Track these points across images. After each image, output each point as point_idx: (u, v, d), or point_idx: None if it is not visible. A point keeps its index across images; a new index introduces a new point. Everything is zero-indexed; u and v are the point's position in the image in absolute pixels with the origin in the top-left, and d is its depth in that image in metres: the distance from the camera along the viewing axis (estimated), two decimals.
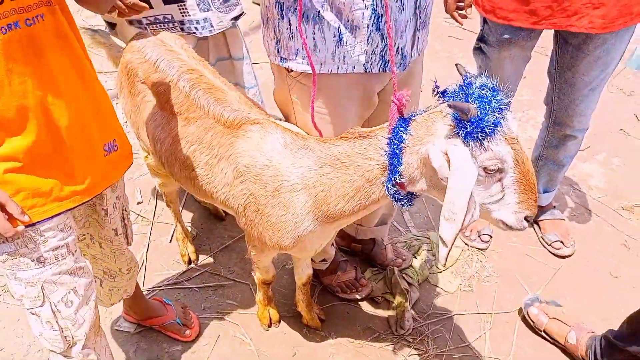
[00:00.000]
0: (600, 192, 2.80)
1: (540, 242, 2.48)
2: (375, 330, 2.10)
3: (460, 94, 1.20)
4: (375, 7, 1.42)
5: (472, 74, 1.25)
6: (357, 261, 2.32)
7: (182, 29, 1.93)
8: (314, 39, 1.47)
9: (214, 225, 2.50)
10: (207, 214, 2.54)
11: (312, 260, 2.06)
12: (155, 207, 2.58)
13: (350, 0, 1.40)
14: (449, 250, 1.23)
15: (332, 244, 2.11)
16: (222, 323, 2.09)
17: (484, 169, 1.19)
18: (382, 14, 1.43)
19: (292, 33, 1.50)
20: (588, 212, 2.67)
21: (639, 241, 2.51)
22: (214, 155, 1.51)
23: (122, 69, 1.74)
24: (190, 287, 2.22)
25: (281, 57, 1.57)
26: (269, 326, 2.07)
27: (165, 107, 1.61)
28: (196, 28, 1.93)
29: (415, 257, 2.37)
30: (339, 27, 1.45)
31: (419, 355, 2.02)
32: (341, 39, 1.47)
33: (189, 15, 1.90)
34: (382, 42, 1.48)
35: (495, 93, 1.17)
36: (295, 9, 1.43)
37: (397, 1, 1.44)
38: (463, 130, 1.17)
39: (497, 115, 1.16)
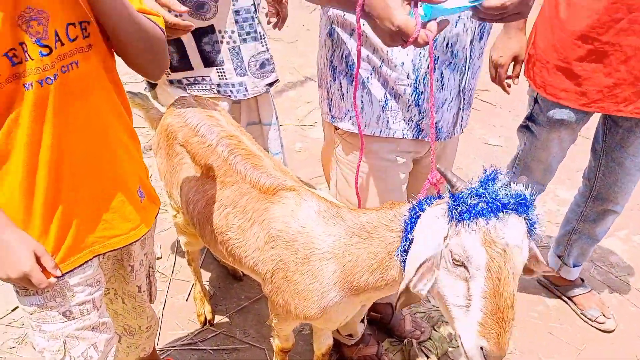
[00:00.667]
0: (622, 270, 2.75)
1: (582, 318, 2.43)
2: None
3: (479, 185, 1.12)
4: (417, 85, 1.52)
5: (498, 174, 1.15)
6: (375, 330, 2.28)
7: (218, 91, 2.02)
8: (362, 102, 1.57)
9: (231, 285, 2.49)
10: (225, 273, 2.53)
11: (338, 332, 2.04)
12: (174, 263, 2.58)
13: (395, 76, 1.51)
14: (397, 300, 1.22)
15: (362, 321, 2.08)
16: None
17: (451, 252, 1.13)
18: (422, 92, 1.53)
19: (343, 94, 1.61)
20: (610, 290, 2.62)
21: None
22: (247, 219, 1.54)
23: (161, 131, 1.81)
24: (204, 349, 2.19)
25: (332, 116, 1.68)
26: None
27: (201, 171, 1.65)
28: (231, 91, 2.02)
29: (435, 330, 2.32)
30: (385, 94, 1.55)
31: None
32: (386, 105, 1.57)
33: (226, 79, 2.00)
34: (418, 115, 1.58)
35: (505, 190, 1.08)
36: (346, 73, 1.57)
37: (437, 81, 1.54)
38: (448, 206, 1.14)
39: (485, 206, 1.06)
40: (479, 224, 1.07)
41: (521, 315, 2.45)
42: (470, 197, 1.07)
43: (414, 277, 1.15)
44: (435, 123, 1.60)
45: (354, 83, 1.43)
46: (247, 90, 2.04)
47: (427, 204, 1.27)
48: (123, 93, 1.32)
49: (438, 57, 1.50)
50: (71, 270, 1.25)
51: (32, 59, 1.07)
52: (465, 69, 1.56)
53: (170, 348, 2.17)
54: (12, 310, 2.23)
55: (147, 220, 1.43)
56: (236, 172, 1.58)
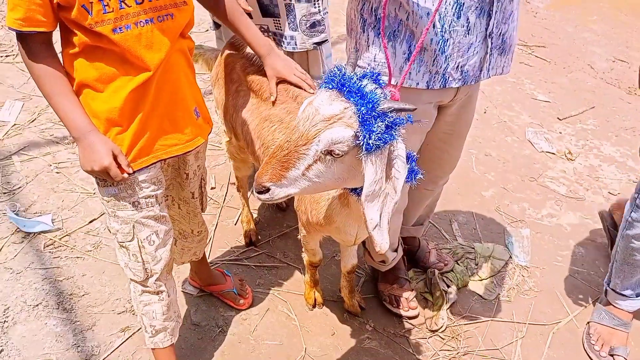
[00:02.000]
0: None
1: None
2: (411, 324, 2.25)
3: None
4: (443, 33, 1.58)
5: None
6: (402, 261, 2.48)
7: (274, 39, 2.23)
8: (388, 53, 1.64)
9: (275, 215, 2.76)
10: (271, 203, 2.80)
11: (372, 258, 2.25)
12: (226, 193, 2.88)
13: (422, 26, 1.57)
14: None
15: (396, 250, 2.25)
16: (272, 298, 2.33)
17: None
18: (447, 39, 1.59)
19: (369, 46, 1.71)
20: None
21: None
22: (291, 133, 1.75)
23: (220, 63, 2.05)
24: (248, 265, 2.48)
25: (358, 66, 1.77)
26: (313, 307, 2.28)
27: (256, 95, 1.87)
28: (283, 42, 2.23)
29: (458, 264, 2.50)
30: (409, 47, 1.63)
31: (448, 351, 2.14)
32: (409, 57, 1.64)
33: (281, 30, 2.21)
34: (444, 62, 1.63)
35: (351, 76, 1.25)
36: (375, 25, 1.66)
37: (463, 27, 1.59)
38: None
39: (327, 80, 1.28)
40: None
41: (546, 258, 2.57)
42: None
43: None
44: (461, 67, 1.66)
45: (380, 35, 1.55)
46: (296, 44, 2.23)
47: None
48: (189, 35, 1.61)
49: (464, 2, 1.55)
50: (139, 170, 1.54)
51: (129, 6, 1.36)
52: (492, 12, 1.61)
53: (219, 262, 2.49)
54: (90, 222, 2.62)
55: (202, 134, 1.70)
56: (287, 94, 1.79)
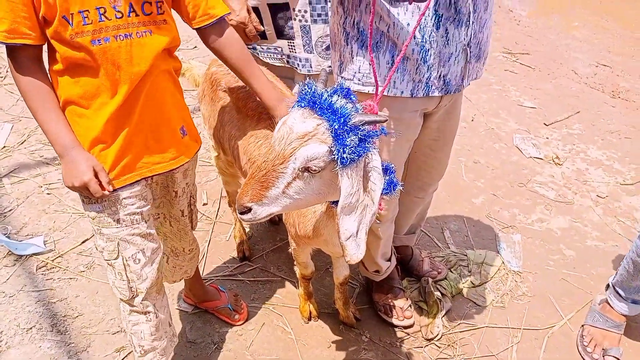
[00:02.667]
0: None
1: None
2: (406, 333, 2.25)
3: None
4: (424, 43, 1.62)
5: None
6: (396, 270, 2.49)
7: (287, 62, 2.24)
8: (370, 65, 1.69)
9: (267, 229, 2.77)
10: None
11: (366, 269, 2.27)
12: (218, 209, 2.88)
13: (403, 37, 1.61)
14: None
15: (389, 260, 2.26)
16: (267, 313, 2.32)
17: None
18: (428, 49, 1.63)
19: (353, 57, 1.73)
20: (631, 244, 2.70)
21: None
22: None
23: (206, 79, 2.08)
24: (242, 280, 2.48)
25: (342, 77, 1.81)
26: (309, 319, 2.28)
27: (241, 111, 1.90)
28: (298, 64, 2.22)
29: (451, 272, 2.51)
30: (392, 56, 1.67)
31: (445, 359, 2.15)
32: (392, 66, 1.67)
33: (295, 52, 2.20)
34: (427, 72, 1.67)
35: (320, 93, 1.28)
36: (358, 38, 1.69)
37: (442, 37, 1.63)
38: None
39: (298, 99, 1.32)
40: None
41: (538, 262, 2.60)
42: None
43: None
44: (443, 76, 1.71)
45: (365, 46, 1.58)
46: (311, 67, 2.22)
47: None
48: (175, 55, 1.62)
49: (442, 14, 1.60)
50: (123, 187, 1.54)
51: (109, 19, 1.38)
52: (469, 23, 1.65)
53: (214, 277, 2.48)
54: (82, 243, 2.61)
55: (187, 153, 1.70)
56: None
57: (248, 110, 1.88)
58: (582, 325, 2.25)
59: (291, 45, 2.18)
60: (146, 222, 1.61)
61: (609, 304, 2.21)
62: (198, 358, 2.11)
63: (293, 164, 1.26)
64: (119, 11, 1.39)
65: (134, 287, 1.64)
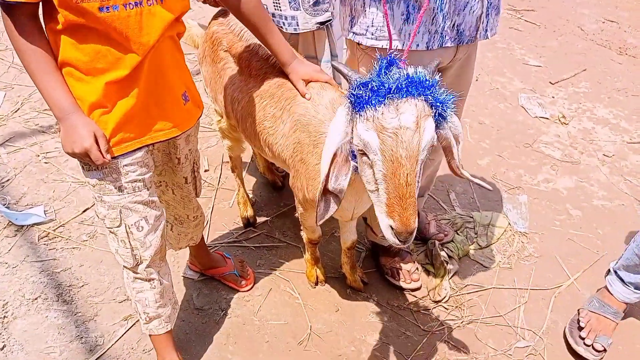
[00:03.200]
0: None
1: None
2: (414, 296, 2.25)
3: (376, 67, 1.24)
4: None
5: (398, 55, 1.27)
6: None
7: (272, 21, 2.12)
8: (384, 17, 1.61)
9: (271, 194, 2.73)
10: (266, 182, 2.77)
11: (374, 234, 2.23)
12: (220, 175, 2.84)
13: None
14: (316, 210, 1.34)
15: None
16: (274, 278, 2.31)
17: (351, 143, 1.24)
18: None
19: (365, 11, 1.66)
20: (638, 202, 2.68)
21: None
22: (280, 108, 1.70)
23: (207, 39, 1.98)
24: (247, 246, 2.46)
25: (354, 33, 1.74)
26: (316, 284, 2.27)
27: (244, 72, 1.82)
28: (283, 23, 2.10)
29: (458, 234, 2.49)
30: (407, 7, 1.60)
31: (453, 321, 2.15)
32: (408, 18, 1.61)
33: (280, 10, 2.07)
34: (442, 21, 1.61)
35: (396, 74, 1.18)
36: None
37: None
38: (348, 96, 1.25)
39: (371, 94, 1.16)
40: (368, 112, 1.17)
41: (544, 223, 2.58)
42: (357, 88, 1.18)
43: (329, 173, 1.25)
44: (457, 26, 1.65)
45: None
46: (297, 25, 2.10)
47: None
48: (182, 20, 1.53)
49: None
50: (124, 154, 1.49)
51: None
52: None
53: (218, 244, 2.46)
54: (84, 212, 2.57)
55: (190, 119, 1.64)
56: (276, 67, 1.74)
57: (252, 70, 1.80)
58: (578, 310, 2.16)
59: (276, 3, 2.06)
60: (148, 190, 1.57)
61: (608, 290, 2.14)
62: (206, 325, 2.11)
63: (422, 157, 1.21)
64: None
65: (138, 255, 1.61)
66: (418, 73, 1.20)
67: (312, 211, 1.90)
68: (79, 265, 2.32)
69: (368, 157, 1.22)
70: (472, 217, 2.59)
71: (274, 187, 2.74)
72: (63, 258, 2.34)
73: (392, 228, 1.19)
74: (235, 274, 2.24)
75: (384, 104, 1.17)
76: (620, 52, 3.82)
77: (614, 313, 2.11)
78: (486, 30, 1.73)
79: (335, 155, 1.32)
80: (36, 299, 2.16)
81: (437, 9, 1.58)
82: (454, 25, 1.63)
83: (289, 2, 2.04)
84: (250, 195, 2.68)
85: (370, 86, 1.17)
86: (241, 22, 1.67)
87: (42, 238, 2.42)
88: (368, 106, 1.18)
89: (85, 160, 1.42)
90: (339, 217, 1.94)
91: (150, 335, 1.83)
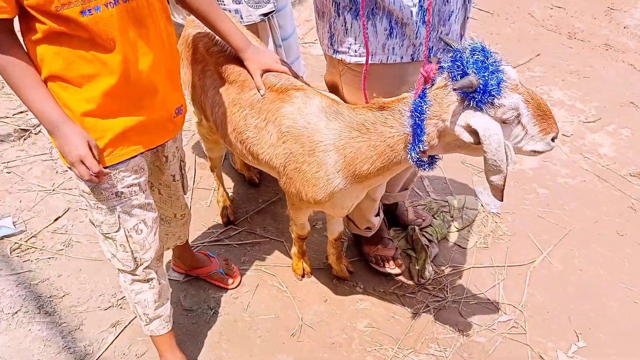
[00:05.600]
0: (609, 160, 2.96)
1: None
2: (399, 281, 2.31)
3: (457, 67, 1.32)
4: (422, 3, 1.57)
5: (458, 42, 1.37)
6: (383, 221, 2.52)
7: None
8: (367, 33, 1.62)
9: (248, 191, 2.73)
10: (242, 180, 2.76)
11: (356, 226, 2.27)
12: (195, 174, 2.81)
13: (399, 2, 1.55)
14: (503, 191, 1.42)
15: (378, 215, 2.27)
16: (260, 274, 2.32)
17: (503, 122, 1.35)
18: (426, 8, 1.57)
19: (347, 30, 1.66)
20: (598, 179, 2.84)
21: None
22: (262, 119, 1.71)
23: (183, 42, 1.96)
24: (230, 244, 2.45)
25: (335, 50, 1.74)
26: (302, 276, 2.29)
27: (222, 76, 1.81)
28: None
29: (435, 218, 2.57)
30: (390, 23, 1.60)
31: (438, 301, 2.23)
32: (392, 33, 1.62)
33: (223, 4, 2.08)
34: (425, 32, 1.62)
35: (487, 54, 1.30)
36: (351, 8, 1.61)
37: None
38: (473, 101, 1.31)
39: (497, 75, 1.28)
40: (504, 87, 1.31)
41: (514, 202, 2.70)
42: (491, 77, 1.29)
43: (507, 163, 1.37)
44: (445, 35, 1.66)
45: (359, 15, 1.51)
46: (242, 18, 2.12)
47: (422, 98, 1.43)
48: (171, 20, 1.48)
49: None
50: (118, 163, 1.46)
51: None
52: None
53: (200, 244, 2.44)
54: (55, 220, 2.49)
55: (180, 124, 1.64)
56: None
57: (230, 75, 1.79)
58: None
59: None
60: (144, 193, 1.55)
61: None
62: (197, 325, 2.10)
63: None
64: None
65: (139, 257, 1.60)
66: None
67: (304, 209, 1.91)
68: (57, 275, 2.25)
69: (517, 114, 1.36)
70: (447, 202, 2.68)
71: (251, 184, 2.74)
72: (39, 269, 2.26)
73: (552, 140, 1.42)
74: (221, 272, 2.24)
75: (503, 71, 1.32)
76: (570, 37, 4.01)
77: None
78: (467, 33, 1.75)
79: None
80: (16, 312, 2.08)
81: (420, 21, 1.59)
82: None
83: None
84: (229, 193, 2.66)
85: (490, 70, 1.29)
86: (187, 9, 1.64)
87: (14, 250, 2.33)
88: (503, 82, 1.30)
89: (80, 170, 1.37)
90: (334, 214, 1.98)
91: (152, 338, 1.83)
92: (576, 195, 2.75)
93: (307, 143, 1.64)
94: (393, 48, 1.65)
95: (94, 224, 1.56)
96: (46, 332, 2.02)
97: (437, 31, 1.64)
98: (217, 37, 1.83)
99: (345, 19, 1.65)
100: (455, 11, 1.65)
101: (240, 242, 2.47)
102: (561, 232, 2.55)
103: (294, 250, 2.23)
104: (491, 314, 2.20)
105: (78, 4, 1.23)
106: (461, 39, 1.73)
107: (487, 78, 1.28)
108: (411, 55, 1.67)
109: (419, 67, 1.69)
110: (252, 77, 1.72)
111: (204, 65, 1.88)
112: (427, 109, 1.41)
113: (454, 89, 1.32)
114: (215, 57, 1.83)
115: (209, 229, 2.53)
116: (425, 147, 1.45)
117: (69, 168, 1.45)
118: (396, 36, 1.63)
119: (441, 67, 1.39)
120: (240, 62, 1.76)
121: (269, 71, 1.72)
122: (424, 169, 1.53)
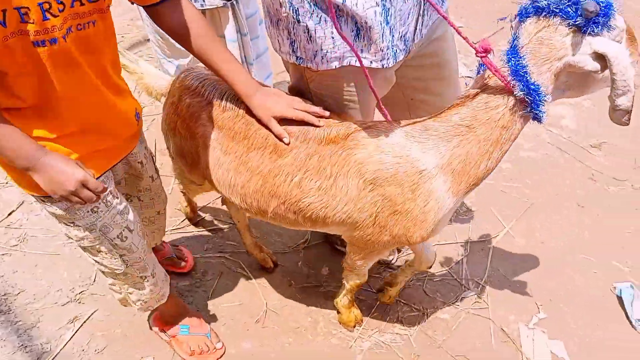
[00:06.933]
0: (571, 132, 2.99)
1: None
2: None
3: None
4: (384, 3, 1.46)
5: None
6: None
7: None
8: (333, 38, 1.50)
9: None
10: None
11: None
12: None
13: (362, 3, 1.43)
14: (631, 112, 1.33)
15: None
16: (224, 261, 2.29)
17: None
18: (389, 7, 1.47)
19: (311, 36, 1.51)
20: (559, 151, 2.87)
21: (605, 174, 2.73)
22: (327, 177, 1.49)
23: (175, 112, 1.66)
24: (191, 232, 2.41)
25: (297, 57, 1.59)
26: (354, 326, 2.07)
27: (243, 148, 1.54)
28: None
29: None
30: (356, 24, 1.49)
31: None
32: (359, 34, 1.50)
33: None
34: (390, 34, 1.51)
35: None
36: (312, 13, 1.47)
37: None
38: (595, 26, 1.25)
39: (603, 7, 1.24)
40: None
41: None
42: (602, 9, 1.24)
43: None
44: (403, 35, 1.56)
45: (323, 20, 1.44)
46: (204, 1, 2.04)
47: (520, 64, 1.31)
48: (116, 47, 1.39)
49: None
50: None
51: (56, 16, 1.12)
52: None
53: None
54: (9, 215, 2.40)
55: (140, 127, 1.57)
56: (292, 135, 1.50)
57: (252, 144, 1.54)
58: None
59: None
60: (118, 198, 1.49)
61: None
62: None
63: None
64: (61, 2, 1.13)
65: (127, 259, 1.56)
66: None
67: (384, 253, 1.78)
68: (12, 271, 2.17)
69: (621, 37, 1.30)
70: None
71: (265, 269, 2.28)
72: None
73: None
74: (174, 256, 2.20)
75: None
76: None
77: None
78: (421, 30, 1.63)
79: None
80: None
81: (384, 22, 1.49)
82: (401, 36, 1.56)
83: None
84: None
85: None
86: (186, 48, 1.45)
87: None
88: (612, 5, 1.26)
89: (83, 195, 1.26)
90: (429, 239, 1.83)
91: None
92: (538, 168, 2.78)
93: (408, 180, 1.44)
94: (361, 50, 1.54)
95: (72, 239, 1.49)
96: (1, 332, 1.96)
97: (398, 32, 1.54)
98: (223, 103, 1.57)
99: (307, 25, 1.51)
100: (413, 9, 1.55)
101: (202, 229, 2.42)
102: (524, 206, 2.57)
103: (344, 301, 2.00)
104: (455, 290, 2.22)
105: (31, 34, 1.12)
106: (414, 34, 1.60)
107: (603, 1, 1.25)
108: (380, 61, 1.56)
109: (388, 69, 1.62)
110: (268, 127, 1.49)
111: (213, 136, 1.59)
112: (528, 62, 1.30)
113: (584, 15, 1.24)
114: (229, 124, 1.56)
115: (170, 216, 2.46)
116: (548, 97, 1.35)
117: (42, 199, 1.36)
118: (363, 38, 1.52)
119: (539, 7, 1.30)
120: (250, 116, 1.53)
121: (285, 117, 1.49)
122: (541, 122, 1.40)
